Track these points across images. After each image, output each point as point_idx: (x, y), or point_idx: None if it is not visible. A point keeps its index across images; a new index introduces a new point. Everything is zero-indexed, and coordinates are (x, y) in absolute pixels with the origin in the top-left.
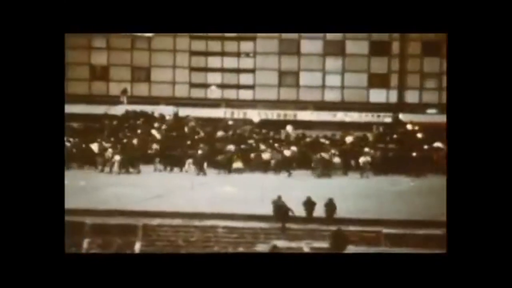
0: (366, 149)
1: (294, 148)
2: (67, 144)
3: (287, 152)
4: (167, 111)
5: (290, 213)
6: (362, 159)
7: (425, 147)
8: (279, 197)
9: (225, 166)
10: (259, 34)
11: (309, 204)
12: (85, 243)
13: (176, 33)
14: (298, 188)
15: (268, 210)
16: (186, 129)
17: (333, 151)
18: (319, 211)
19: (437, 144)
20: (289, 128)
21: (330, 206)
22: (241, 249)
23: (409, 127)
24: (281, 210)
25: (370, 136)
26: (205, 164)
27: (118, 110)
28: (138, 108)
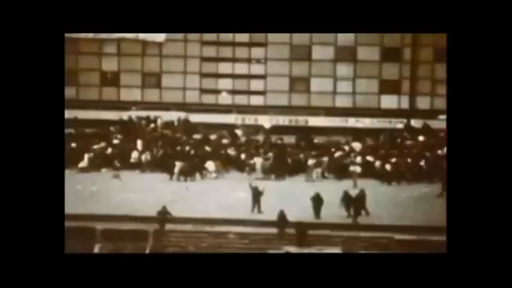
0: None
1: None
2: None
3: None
4: (178, 117)
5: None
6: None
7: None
8: (163, 208)
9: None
10: (270, 40)
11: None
12: (96, 248)
13: (186, 39)
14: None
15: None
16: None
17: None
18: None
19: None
20: (238, 131)
21: (317, 200)
22: None
23: (420, 138)
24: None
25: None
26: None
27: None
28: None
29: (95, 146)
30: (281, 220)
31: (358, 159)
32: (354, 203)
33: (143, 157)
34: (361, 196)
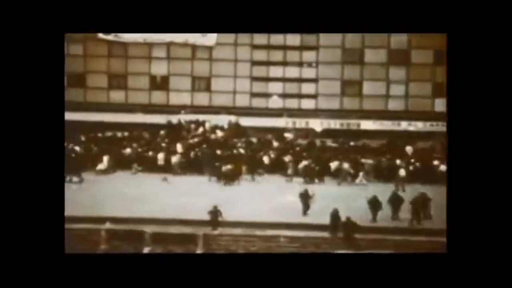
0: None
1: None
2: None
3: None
4: (228, 120)
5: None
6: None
7: None
8: (215, 207)
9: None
10: (321, 44)
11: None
12: (145, 252)
13: (236, 43)
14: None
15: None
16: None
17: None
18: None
19: None
20: (287, 134)
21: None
22: None
23: None
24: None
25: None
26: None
27: (178, 119)
28: (198, 117)
29: (140, 149)
30: (334, 220)
31: (408, 162)
32: (415, 206)
33: (187, 160)
34: (424, 199)
